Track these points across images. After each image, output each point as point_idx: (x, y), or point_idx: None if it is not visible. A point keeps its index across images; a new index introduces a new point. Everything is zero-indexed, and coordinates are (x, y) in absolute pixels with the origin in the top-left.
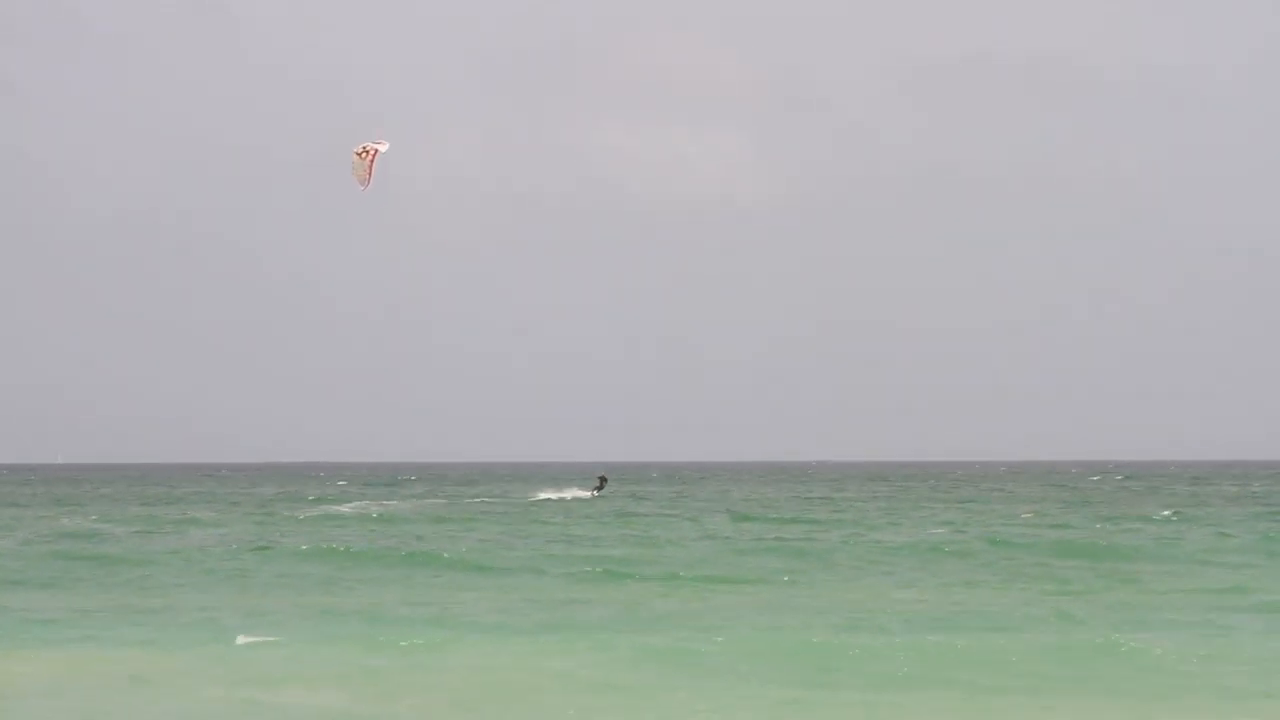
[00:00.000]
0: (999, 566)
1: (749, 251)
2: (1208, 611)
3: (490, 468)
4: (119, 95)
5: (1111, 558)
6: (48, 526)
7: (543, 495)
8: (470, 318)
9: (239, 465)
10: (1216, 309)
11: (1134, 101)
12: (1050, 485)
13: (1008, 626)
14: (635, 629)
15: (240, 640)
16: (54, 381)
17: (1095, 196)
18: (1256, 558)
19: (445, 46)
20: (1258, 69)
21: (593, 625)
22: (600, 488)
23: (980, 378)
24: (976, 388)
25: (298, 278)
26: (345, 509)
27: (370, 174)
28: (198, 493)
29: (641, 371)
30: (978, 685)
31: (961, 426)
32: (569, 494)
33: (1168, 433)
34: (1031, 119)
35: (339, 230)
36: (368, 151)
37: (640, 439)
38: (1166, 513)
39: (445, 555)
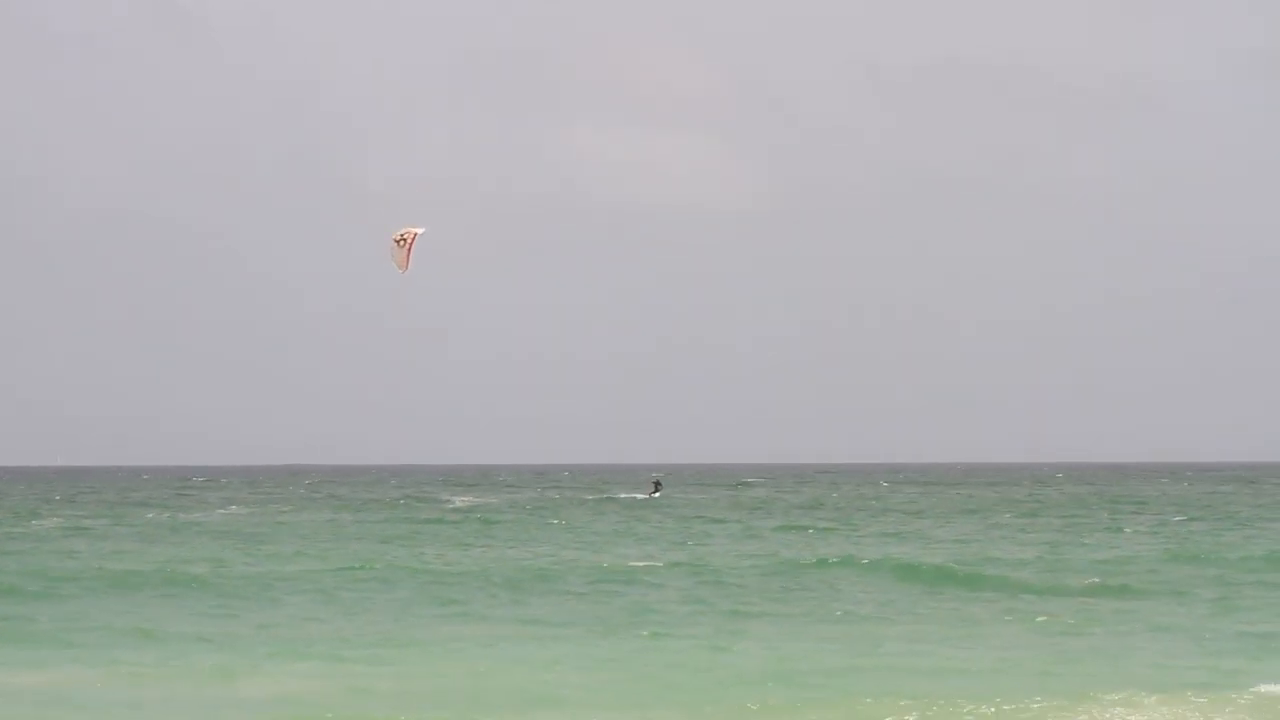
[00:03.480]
0: None
1: (723, 254)
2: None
3: (457, 470)
4: (96, 98)
5: None
6: None
7: (622, 495)
8: (440, 318)
9: (218, 468)
10: (1195, 311)
11: (1104, 105)
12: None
13: None
14: None
15: None
16: (39, 383)
17: (1069, 199)
18: None
19: (415, 49)
20: (1227, 72)
21: None
22: (656, 490)
23: (962, 378)
24: (956, 388)
25: (276, 278)
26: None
27: (409, 258)
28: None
29: (616, 374)
30: None
31: (943, 427)
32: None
33: (1149, 434)
34: (1002, 122)
35: (312, 230)
36: (405, 238)
37: (614, 441)
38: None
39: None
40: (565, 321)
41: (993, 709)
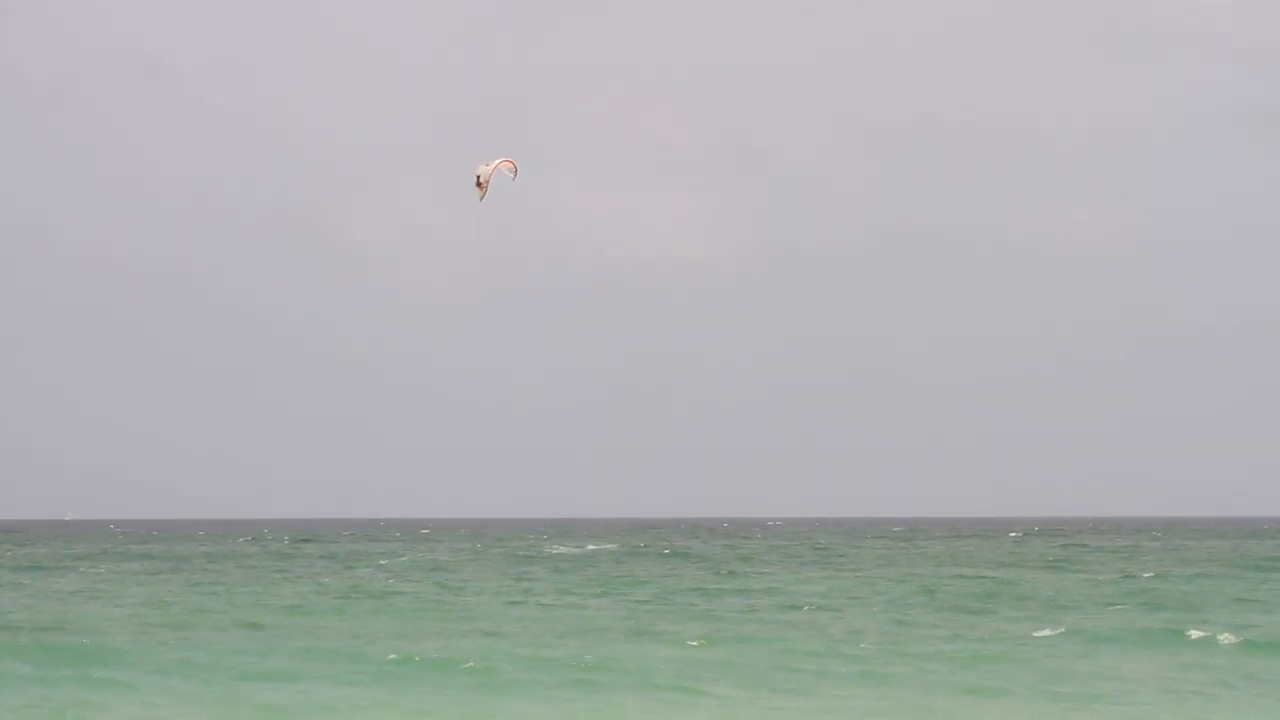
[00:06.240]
0: None
1: (707, 307)
2: None
3: (450, 524)
4: (78, 148)
5: None
6: None
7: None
8: (424, 370)
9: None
10: (1171, 368)
11: (1089, 160)
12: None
13: None
14: None
15: None
16: (44, 435)
17: (1055, 255)
18: None
19: (396, 98)
20: (1210, 127)
21: None
22: None
23: (945, 433)
24: (938, 443)
25: (244, 315)
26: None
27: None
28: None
29: (598, 427)
30: None
31: (928, 483)
32: None
33: (1100, 491)
34: (982, 178)
35: (299, 280)
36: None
37: (592, 494)
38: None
39: None
40: (546, 373)
41: None
